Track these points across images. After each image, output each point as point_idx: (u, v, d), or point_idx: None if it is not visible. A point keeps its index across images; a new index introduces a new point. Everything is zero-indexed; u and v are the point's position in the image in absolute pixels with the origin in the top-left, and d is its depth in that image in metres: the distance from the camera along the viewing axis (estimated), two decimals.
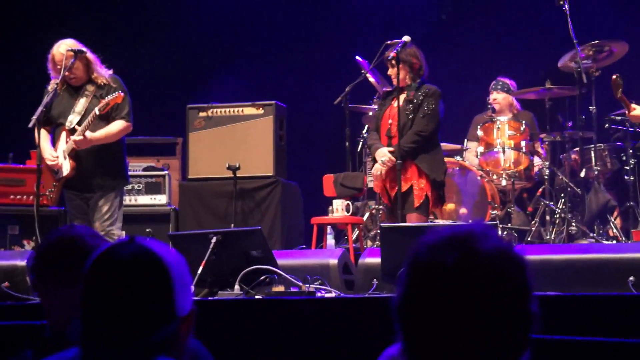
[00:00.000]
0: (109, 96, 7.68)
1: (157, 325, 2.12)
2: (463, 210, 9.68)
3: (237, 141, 9.87)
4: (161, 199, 10.21)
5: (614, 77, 7.29)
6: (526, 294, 1.91)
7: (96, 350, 2.12)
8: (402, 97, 8.07)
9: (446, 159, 8.51)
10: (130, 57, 11.35)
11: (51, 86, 7.89)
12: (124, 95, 7.74)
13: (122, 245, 2.19)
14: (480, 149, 9.61)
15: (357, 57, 9.59)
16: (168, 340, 2.15)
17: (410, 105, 8.03)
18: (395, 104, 8.09)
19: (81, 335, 2.16)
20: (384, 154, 8.04)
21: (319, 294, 6.23)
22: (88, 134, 7.62)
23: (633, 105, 7.41)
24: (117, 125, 7.80)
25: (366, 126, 10.01)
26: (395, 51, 8.05)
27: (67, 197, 7.98)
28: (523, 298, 1.90)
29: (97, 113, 7.63)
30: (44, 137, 7.87)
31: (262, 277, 6.32)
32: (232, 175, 9.63)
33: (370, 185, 9.01)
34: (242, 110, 9.99)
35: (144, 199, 10.19)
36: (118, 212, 7.92)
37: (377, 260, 6.57)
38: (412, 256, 1.96)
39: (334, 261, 6.86)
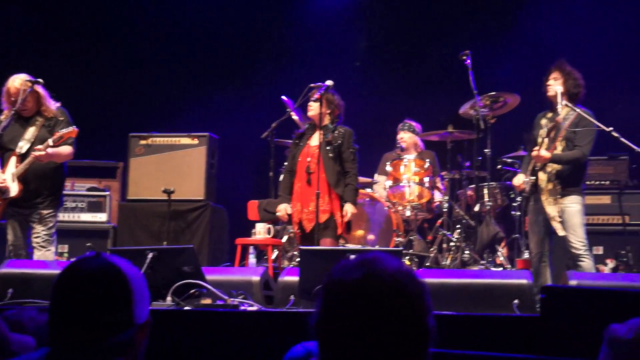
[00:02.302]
0: (63, 130, 7.70)
1: (116, 330, 2.16)
2: (371, 237, 9.75)
3: (173, 167, 9.87)
4: (102, 217, 10.17)
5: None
6: (424, 311, 1.99)
7: (61, 352, 2.16)
8: (320, 138, 8.15)
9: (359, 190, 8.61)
10: (78, 88, 11.30)
11: (4, 115, 7.89)
12: (77, 130, 7.75)
13: (89, 259, 2.25)
14: (389, 182, 9.69)
15: (283, 97, 9.66)
16: (126, 345, 2.19)
17: (330, 147, 8.13)
18: (311, 142, 8.20)
19: (49, 338, 2.19)
20: (279, 210, 8.26)
21: (242, 307, 6.26)
22: (49, 149, 7.64)
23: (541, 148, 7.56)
24: (67, 149, 7.82)
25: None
26: (319, 93, 8.15)
27: (8, 212, 7.94)
28: (421, 314, 1.98)
29: (51, 144, 7.63)
30: None
31: (192, 291, 6.32)
32: (167, 198, 9.62)
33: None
34: (179, 140, 10.01)
35: (86, 216, 10.14)
36: (53, 230, 7.92)
37: (295, 278, 6.61)
38: (327, 276, 2.03)
39: (256, 278, 6.89)
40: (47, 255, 7.82)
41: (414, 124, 10.32)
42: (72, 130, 7.69)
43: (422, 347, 1.97)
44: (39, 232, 7.84)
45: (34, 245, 7.85)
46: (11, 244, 7.96)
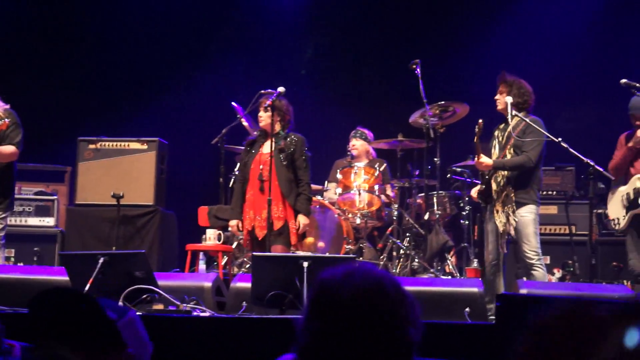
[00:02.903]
0: None
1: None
2: (321, 244, 9.77)
3: (122, 172, 9.81)
4: (49, 221, 10.07)
5: (480, 121, 7.53)
6: (407, 321, 2.00)
7: None
8: (272, 145, 8.16)
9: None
10: (28, 91, 11.19)
11: None
12: (9, 123, 7.66)
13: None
14: (339, 190, 9.72)
15: (233, 103, 9.65)
16: None
17: (283, 154, 8.15)
18: (263, 150, 8.21)
19: None
20: (231, 226, 8.33)
21: (195, 313, 6.24)
22: None
23: (482, 155, 7.64)
24: (8, 149, 7.74)
25: (238, 164, 10.07)
26: (271, 99, 8.15)
27: None
28: (403, 325, 1.99)
29: None
30: None
31: (143, 296, 6.30)
32: (116, 203, 9.56)
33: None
34: (128, 145, 9.94)
35: (34, 221, 10.03)
36: (2, 233, 7.83)
37: (247, 285, 6.61)
38: (314, 290, 2.04)
39: (208, 284, 6.88)
40: None
41: (366, 131, 10.35)
42: (2, 123, 7.59)
43: (405, 357, 1.98)
44: None
45: None
46: None
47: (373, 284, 2.02)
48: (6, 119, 7.62)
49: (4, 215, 7.86)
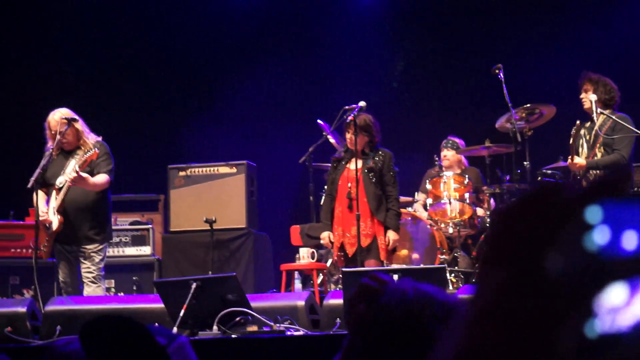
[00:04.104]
0: (86, 154, 7.80)
1: None
2: (415, 256, 9.75)
3: (213, 197, 9.94)
4: (146, 250, 10.26)
5: (578, 122, 7.46)
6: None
7: None
8: (359, 162, 8.19)
9: (400, 210, 8.63)
10: (119, 124, 11.45)
11: (48, 150, 7.99)
12: (99, 152, 7.84)
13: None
14: (429, 200, 9.70)
15: (319, 121, 9.71)
16: None
17: (372, 173, 8.17)
18: (350, 166, 8.23)
19: None
20: (322, 238, 8.36)
21: (288, 333, 6.30)
22: (84, 174, 7.72)
23: (575, 156, 7.57)
24: (101, 178, 7.91)
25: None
26: (352, 115, 8.19)
27: (56, 250, 8.04)
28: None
29: (77, 169, 7.71)
30: (40, 198, 7.97)
31: (237, 318, 6.38)
32: (209, 228, 9.68)
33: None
34: (217, 169, 10.08)
35: (131, 250, 10.23)
36: (102, 265, 8.00)
37: (339, 301, 6.65)
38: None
39: (301, 303, 6.92)
40: (97, 291, 7.91)
41: (457, 140, 10.25)
42: (92, 153, 7.79)
43: None
44: (88, 267, 7.93)
45: (84, 281, 7.95)
46: (62, 282, 8.07)
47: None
48: (96, 149, 7.82)
49: (102, 247, 8.04)
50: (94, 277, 7.91)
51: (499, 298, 0.82)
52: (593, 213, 0.78)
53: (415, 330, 1.92)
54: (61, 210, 7.87)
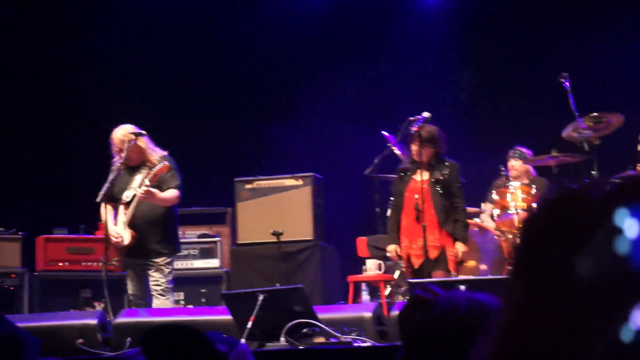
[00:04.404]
0: (155, 168, 7.90)
1: None
2: (483, 267, 9.70)
3: (279, 209, 10.00)
4: (214, 263, 10.36)
5: None
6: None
7: None
8: (426, 173, 8.18)
9: (467, 221, 8.61)
10: (186, 138, 11.59)
11: (115, 166, 8.12)
12: (169, 165, 7.94)
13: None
14: (496, 211, 9.64)
15: (383, 132, 9.71)
16: None
17: (439, 185, 8.15)
18: (417, 178, 8.22)
19: None
20: (389, 251, 8.38)
21: (355, 344, 6.31)
22: (154, 190, 7.83)
23: None
24: (171, 193, 8.02)
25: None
26: (416, 125, 8.19)
27: (126, 263, 8.16)
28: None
29: (147, 183, 7.83)
30: (108, 213, 8.11)
31: (304, 330, 6.41)
32: (276, 240, 9.74)
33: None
34: (284, 182, 10.15)
35: (199, 263, 10.34)
36: (170, 277, 8.10)
37: None
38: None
39: (368, 314, 6.93)
40: (165, 304, 8.01)
41: (524, 150, 10.16)
42: (162, 166, 7.89)
43: None
44: (157, 280, 8.04)
45: (153, 293, 8.06)
46: (131, 294, 8.18)
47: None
48: (165, 162, 7.93)
49: (170, 260, 8.14)
50: (162, 290, 8.02)
51: (530, 305, 0.84)
52: (621, 216, 0.79)
53: (467, 341, 1.93)
54: (131, 224, 8.00)
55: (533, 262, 0.89)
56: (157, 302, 8.00)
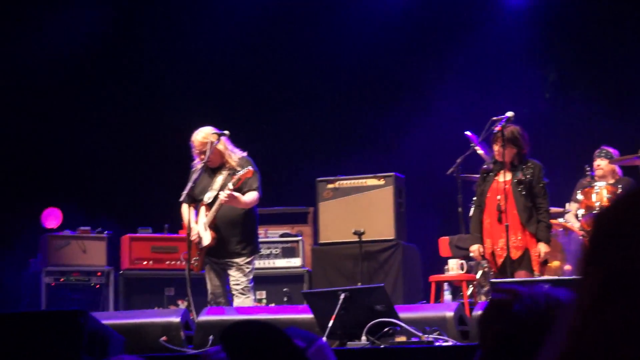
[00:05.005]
0: (239, 172, 7.96)
1: None
2: (567, 267, 9.60)
3: (361, 209, 10.00)
4: (296, 262, 10.41)
5: None
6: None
7: None
8: (508, 174, 8.11)
9: (551, 221, 8.51)
10: (269, 138, 11.66)
11: (195, 167, 8.21)
12: (253, 170, 8.00)
13: None
14: (581, 211, 9.53)
15: (467, 132, 9.65)
16: None
17: (522, 185, 8.07)
18: (499, 178, 8.15)
19: None
20: (472, 251, 8.30)
21: (437, 343, 6.28)
22: (236, 193, 7.90)
23: None
24: (251, 196, 8.08)
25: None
26: (500, 125, 8.12)
27: (206, 262, 8.24)
28: None
29: (231, 187, 7.90)
30: (188, 213, 8.21)
31: (385, 329, 6.39)
32: (358, 240, 9.75)
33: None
34: (366, 182, 10.14)
35: (281, 262, 10.39)
36: (250, 276, 8.16)
37: None
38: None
39: (450, 314, 6.88)
40: (246, 302, 8.06)
41: (610, 150, 10.01)
42: (247, 171, 7.95)
43: None
44: (237, 279, 8.11)
45: (233, 292, 8.13)
46: (211, 292, 8.26)
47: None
48: (250, 167, 7.99)
49: (249, 260, 8.20)
50: (242, 289, 8.09)
51: (600, 299, 0.82)
52: None
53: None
54: (212, 226, 8.09)
55: (602, 256, 0.87)
56: (238, 301, 8.07)
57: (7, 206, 11.40)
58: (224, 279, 8.20)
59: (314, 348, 2.35)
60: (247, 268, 8.14)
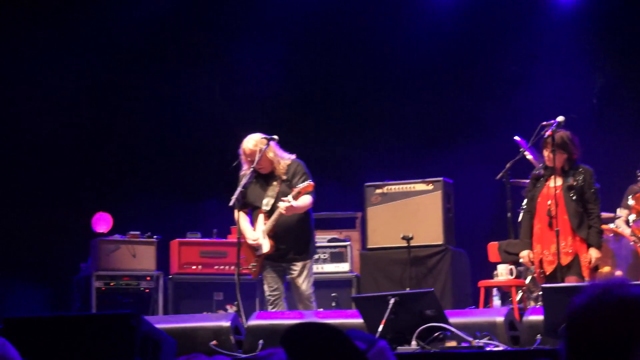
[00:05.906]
0: (300, 185, 8.00)
1: None
2: (618, 273, 9.53)
3: (409, 214, 9.99)
4: (344, 267, 10.42)
5: None
6: None
7: None
8: (559, 179, 8.06)
9: (602, 227, 8.45)
10: (317, 144, 11.69)
11: (243, 173, 8.25)
12: (314, 184, 8.05)
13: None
14: (632, 216, 9.46)
15: (516, 137, 9.60)
16: None
17: (573, 191, 8.02)
18: (550, 184, 8.10)
19: None
20: (522, 257, 8.26)
21: (487, 348, 6.26)
22: (293, 202, 7.94)
23: None
24: (306, 200, 8.13)
25: (525, 200, 10.00)
26: (550, 130, 8.07)
27: (263, 265, 8.28)
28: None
29: (291, 199, 7.95)
30: (243, 218, 8.28)
31: (436, 334, 6.39)
32: (407, 245, 9.74)
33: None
34: (414, 187, 10.13)
35: (330, 267, 10.41)
36: (311, 280, 8.21)
37: (539, 317, 6.56)
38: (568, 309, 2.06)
39: (500, 319, 6.86)
40: (308, 307, 8.11)
41: None
42: (308, 184, 8.02)
43: None
44: (299, 285, 8.16)
45: (297, 299, 8.19)
46: (268, 295, 8.29)
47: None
48: (310, 181, 8.03)
49: (308, 264, 8.26)
50: (305, 294, 8.16)
51: None
52: None
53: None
54: (272, 234, 8.14)
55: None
56: (300, 307, 8.14)
57: (58, 211, 11.53)
58: (282, 283, 8.27)
59: (375, 350, 2.36)
60: (307, 274, 8.20)
